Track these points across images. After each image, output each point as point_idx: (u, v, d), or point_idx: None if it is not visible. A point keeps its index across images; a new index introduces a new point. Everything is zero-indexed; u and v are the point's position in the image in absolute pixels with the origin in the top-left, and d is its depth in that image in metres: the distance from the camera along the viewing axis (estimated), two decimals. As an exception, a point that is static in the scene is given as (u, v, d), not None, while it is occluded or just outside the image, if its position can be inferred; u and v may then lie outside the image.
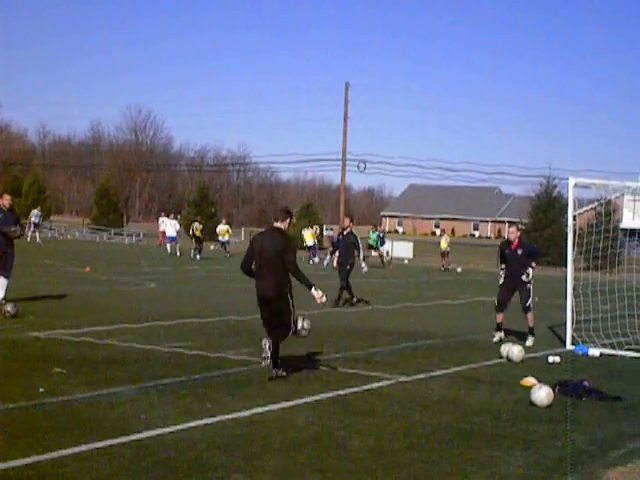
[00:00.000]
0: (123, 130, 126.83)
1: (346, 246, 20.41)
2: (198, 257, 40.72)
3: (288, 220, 10.73)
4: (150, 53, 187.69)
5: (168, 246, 43.92)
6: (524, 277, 14.77)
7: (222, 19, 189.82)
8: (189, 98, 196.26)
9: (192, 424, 7.83)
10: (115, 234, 69.18)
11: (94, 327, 14.05)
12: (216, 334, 14.15)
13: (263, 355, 10.02)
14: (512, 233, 15.11)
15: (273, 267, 10.30)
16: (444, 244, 45.02)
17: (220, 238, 47.18)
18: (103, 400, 8.70)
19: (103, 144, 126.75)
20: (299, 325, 10.41)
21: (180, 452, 6.91)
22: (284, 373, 10.34)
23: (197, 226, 42.40)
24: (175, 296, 21.44)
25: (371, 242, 44.16)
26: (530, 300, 14.96)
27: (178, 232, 44.19)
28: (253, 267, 10.59)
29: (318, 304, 10.82)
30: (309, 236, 44.87)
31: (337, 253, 20.88)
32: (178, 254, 42.06)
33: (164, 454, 6.84)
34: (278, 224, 10.61)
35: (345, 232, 20.75)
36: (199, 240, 42.18)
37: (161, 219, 53.07)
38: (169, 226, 44.63)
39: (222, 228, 46.94)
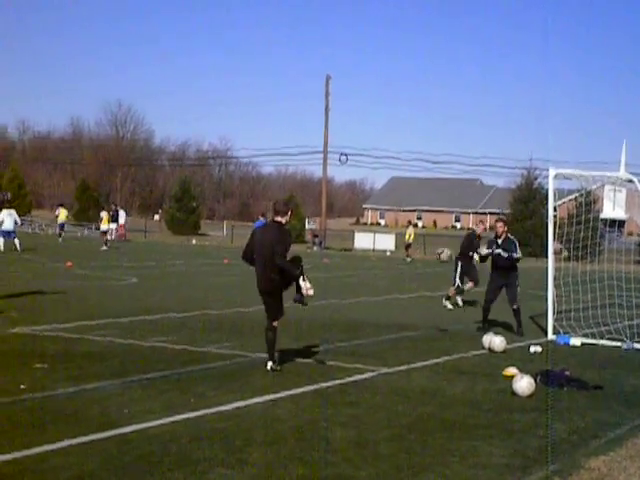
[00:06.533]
0: (103, 125, 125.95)
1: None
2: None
3: (289, 213, 10.79)
4: (131, 48, 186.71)
5: (1, 241, 35.33)
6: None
7: (203, 14, 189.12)
8: (170, 92, 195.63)
9: (175, 418, 7.82)
10: (96, 229, 68.75)
11: (76, 322, 13.98)
12: (198, 328, 14.12)
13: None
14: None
15: (267, 260, 10.40)
16: (407, 236, 45.60)
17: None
18: (85, 395, 8.67)
19: (83, 139, 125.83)
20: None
21: (163, 446, 6.89)
22: (279, 367, 10.48)
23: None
24: (158, 291, 21.37)
25: None
26: None
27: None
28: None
29: (305, 295, 10.70)
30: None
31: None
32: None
33: (147, 448, 6.82)
34: (279, 218, 10.65)
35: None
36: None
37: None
38: (8, 217, 35.67)
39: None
